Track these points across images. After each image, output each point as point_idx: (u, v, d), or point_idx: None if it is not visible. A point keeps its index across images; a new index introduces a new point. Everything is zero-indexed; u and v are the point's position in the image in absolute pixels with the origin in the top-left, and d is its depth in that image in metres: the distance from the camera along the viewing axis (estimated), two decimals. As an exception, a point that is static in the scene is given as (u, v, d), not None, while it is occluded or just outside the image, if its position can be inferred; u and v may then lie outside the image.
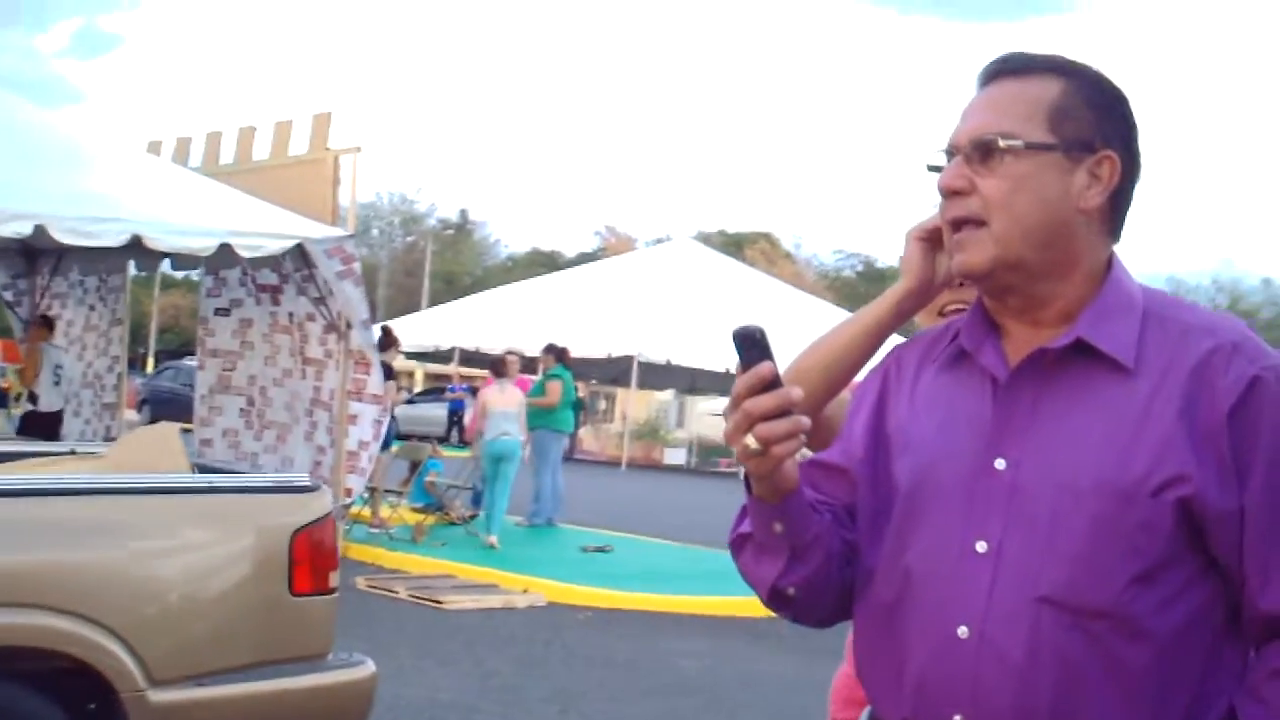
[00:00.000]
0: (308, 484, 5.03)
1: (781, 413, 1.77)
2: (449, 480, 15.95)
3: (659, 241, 79.13)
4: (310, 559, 4.82)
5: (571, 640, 10.13)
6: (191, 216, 10.56)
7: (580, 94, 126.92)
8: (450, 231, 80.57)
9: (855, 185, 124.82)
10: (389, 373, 15.80)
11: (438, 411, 37.36)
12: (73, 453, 6.03)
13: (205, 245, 10.26)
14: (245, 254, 10.48)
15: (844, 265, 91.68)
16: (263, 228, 10.80)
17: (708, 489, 32.66)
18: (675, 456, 51.62)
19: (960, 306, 2.55)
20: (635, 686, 8.71)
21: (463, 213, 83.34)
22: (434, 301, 57.14)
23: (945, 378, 2.02)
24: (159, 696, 4.44)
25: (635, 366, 34.18)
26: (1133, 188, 1.95)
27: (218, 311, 13.23)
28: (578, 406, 18.29)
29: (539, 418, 16.11)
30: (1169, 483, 1.79)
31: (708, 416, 59.44)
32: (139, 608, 4.50)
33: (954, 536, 1.89)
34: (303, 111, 17.41)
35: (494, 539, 14.23)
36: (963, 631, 1.85)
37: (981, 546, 1.86)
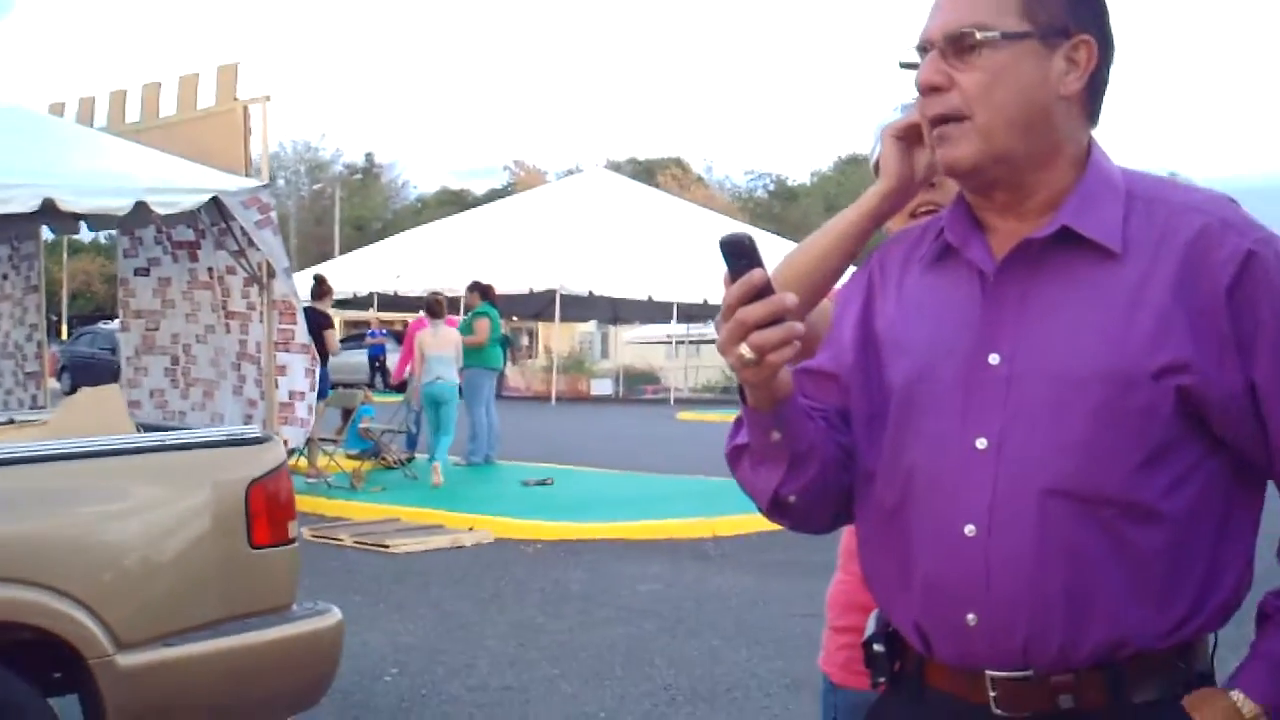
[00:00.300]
0: (259, 435, 4.96)
1: (775, 320, 1.73)
2: (382, 425, 15.86)
3: (569, 173, 78.84)
4: (267, 510, 4.75)
5: (523, 575, 10.13)
6: (103, 177, 10.36)
7: (478, 29, 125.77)
8: (358, 176, 79.82)
9: (762, 106, 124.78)
10: (328, 321, 15.70)
11: (358, 358, 37.10)
12: (11, 422, 5.92)
13: (120, 205, 10.05)
14: (161, 211, 10.29)
15: (755, 186, 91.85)
16: (177, 183, 10.60)
17: (637, 417, 32.77)
18: (602, 387, 51.68)
19: (931, 207, 2.53)
20: (593, 615, 8.72)
21: (369, 156, 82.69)
22: (346, 248, 56.67)
23: (931, 277, 1.99)
24: (127, 660, 4.37)
25: (558, 299, 34.04)
26: (1108, 70, 1.93)
27: (137, 272, 13.06)
28: (505, 343, 18.21)
29: (469, 356, 16.05)
30: (1169, 367, 1.77)
31: (632, 345, 59.61)
32: (100, 573, 4.42)
33: (952, 435, 1.87)
34: (207, 64, 17.07)
35: (439, 478, 14.31)
36: (970, 530, 1.83)
37: (981, 443, 1.84)
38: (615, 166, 72.03)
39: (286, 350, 11.75)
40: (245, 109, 12.71)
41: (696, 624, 8.48)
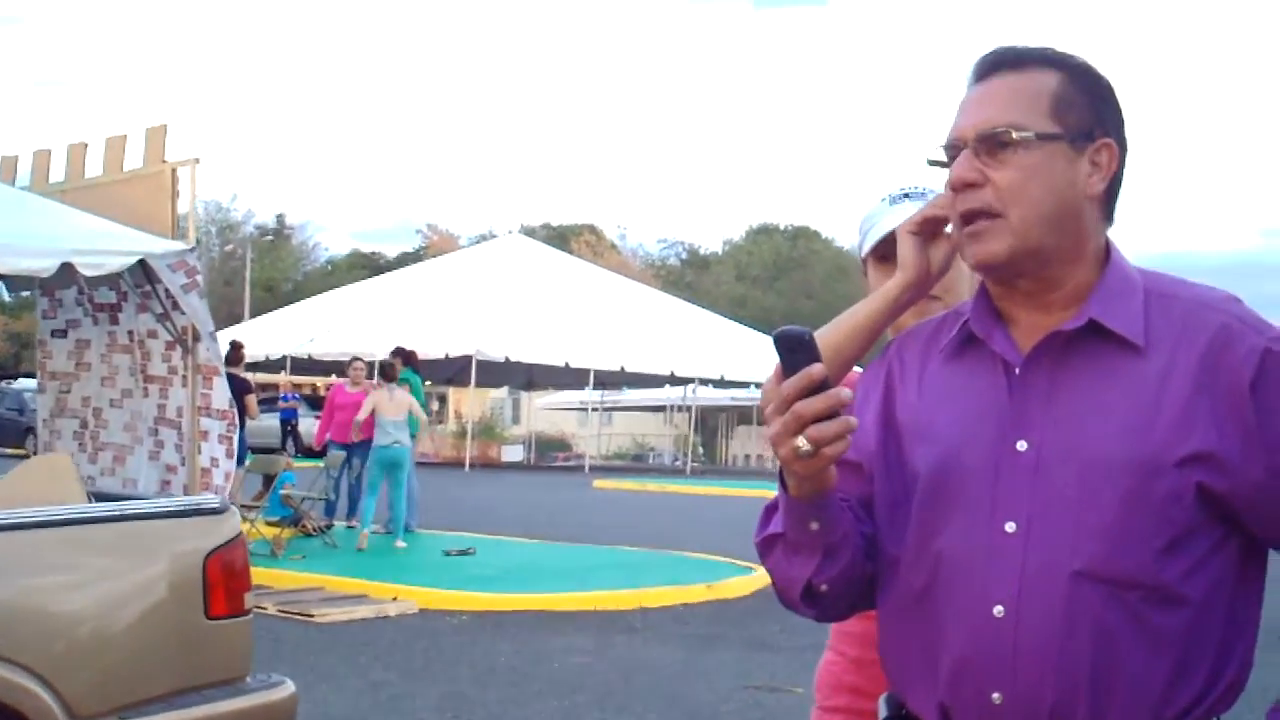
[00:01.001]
0: (216, 505, 4.93)
1: (832, 414, 1.78)
2: (303, 492, 15.73)
3: (482, 238, 78.86)
4: (225, 581, 4.73)
5: (450, 646, 10.07)
6: (28, 236, 10.23)
7: (391, 92, 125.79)
8: (269, 238, 79.27)
9: (673, 174, 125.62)
10: (248, 386, 15.58)
11: (270, 422, 36.72)
12: (-47, 489, 5.82)
13: (45, 265, 9.91)
14: (88, 272, 10.15)
15: (668, 254, 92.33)
16: (104, 244, 10.49)
17: (552, 485, 32.70)
18: (513, 454, 51.53)
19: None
20: (524, 688, 8.68)
21: (279, 218, 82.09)
22: (256, 310, 56.24)
23: (953, 366, 2.05)
24: (82, 733, 4.32)
25: (474, 365, 33.97)
26: (1124, 172, 2.01)
27: (54, 334, 12.87)
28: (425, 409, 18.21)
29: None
30: (1193, 455, 1.84)
31: (544, 412, 59.52)
32: (56, 643, 4.37)
33: (982, 519, 1.91)
34: (135, 125, 16.94)
35: (401, 542, 15.04)
36: (999, 611, 1.87)
37: (1010, 527, 1.89)
38: (529, 231, 72.17)
39: (207, 415, 11.63)
40: (174, 171, 12.64)
41: (627, 698, 8.47)
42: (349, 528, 16.53)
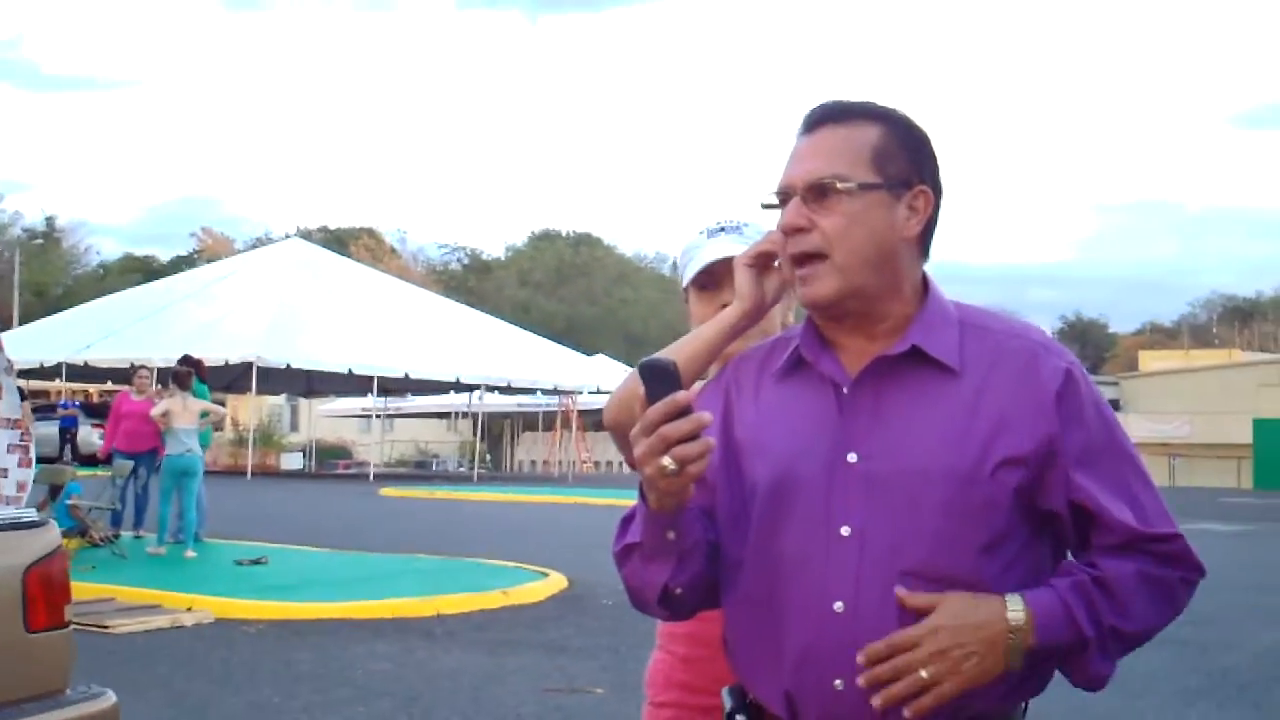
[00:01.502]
0: (35, 519, 4.93)
1: (694, 436, 1.98)
2: (90, 502, 15.43)
3: (258, 241, 77.63)
4: (44, 594, 4.73)
5: (250, 655, 10.04)
6: None
7: (161, 88, 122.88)
8: (38, 241, 76.85)
9: (455, 178, 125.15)
10: (22, 394, 15.19)
11: (47, 430, 35.72)
12: None
13: None
14: None
15: (450, 258, 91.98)
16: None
17: (337, 493, 32.43)
18: (292, 461, 50.85)
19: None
20: (329, 695, 8.72)
21: (49, 220, 79.68)
22: (26, 316, 54.51)
23: (785, 386, 2.26)
24: (-100, 750, 4.30)
25: (255, 372, 33.49)
26: (939, 214, 2.25)
27: None
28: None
29: (177, 432, 15.77)
30: (1004, 462, 2.08)
31: (324, 419, 58.84)
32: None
33: (819, 524, 2.12)
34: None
35: (191, 552, 14.80)
36: (839, 606, 2.09)
37: (845, 531, 2.10)
38: (305, 235, 71.29)
39: (-5, 424, 11.37)
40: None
41: (432, 702, 8.57)
42: (136, 537, 16.28)
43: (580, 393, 46.35)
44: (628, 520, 2.23)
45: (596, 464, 60.71)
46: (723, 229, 2.96)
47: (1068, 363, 2.17)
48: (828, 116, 2.21)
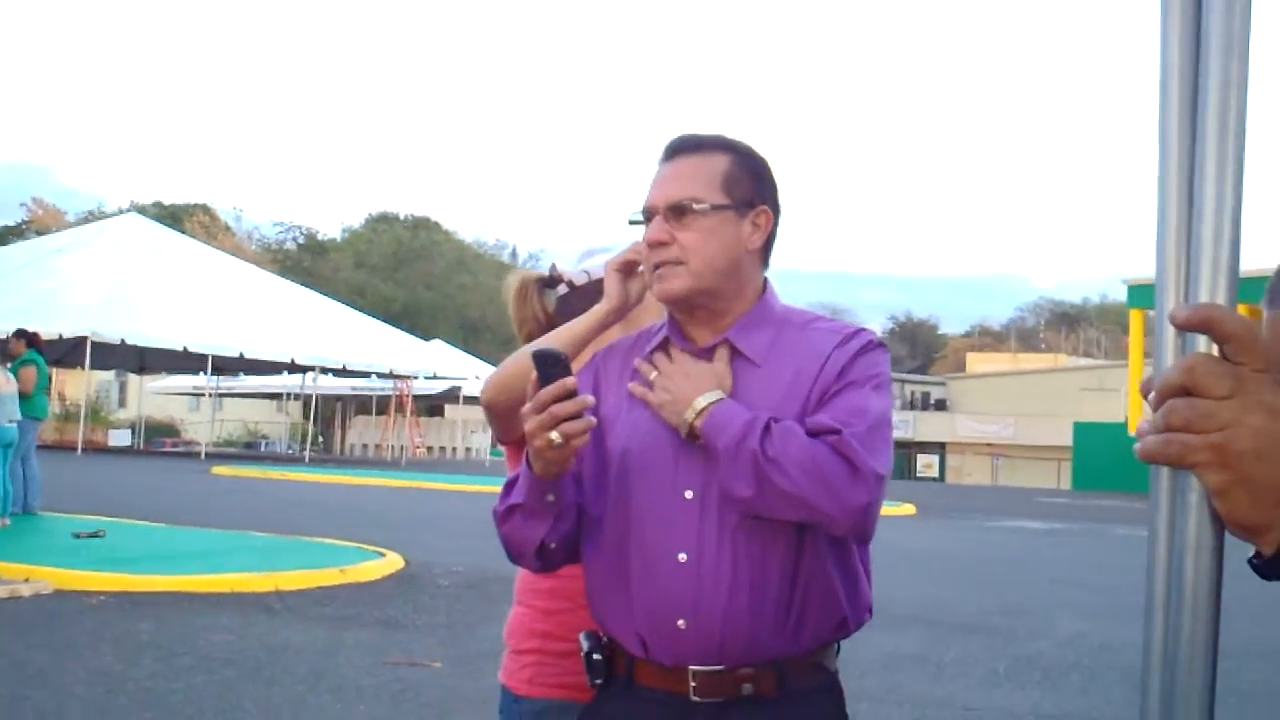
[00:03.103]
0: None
1: (579, 415, 2.36)
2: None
3: (90, 214, 76.14)
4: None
5: (92, 625, 10.18)
6: None
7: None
8: None
9: (292, 157, 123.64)
10: None
11: None
12: None
13: None
14: None
15: (285, 238, 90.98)
16: None
17: (169, 470, 32.13)
18: (120, 438, 50.16)
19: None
20: (173, 664, 8.92)
21: None
22: None
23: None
24: None
25: (89, 347, 33.05)
26: (777, 230, 2.67)
27: None
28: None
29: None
30: (811, 432, 2.47)
31: (153, 396, 57.98)
32: None
33: (668, 487, 2.52)
34: None
35: (5, 520, 14.60)
36: (682, 557, 2.48)
37: (689, 494, 2.50)
38: (140, 210, 70.14)
39: None
40: None
41: (276, 672, 8.82)
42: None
43: (416, 377, 46.39)
44: (510, 485, 2.59)
45: (429, 449, 60.74)
46: (591, 253, 3.42)
47: (866, 339, 2.58)
48: (685, 147, 2.62)
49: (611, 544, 2.59)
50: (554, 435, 2.34)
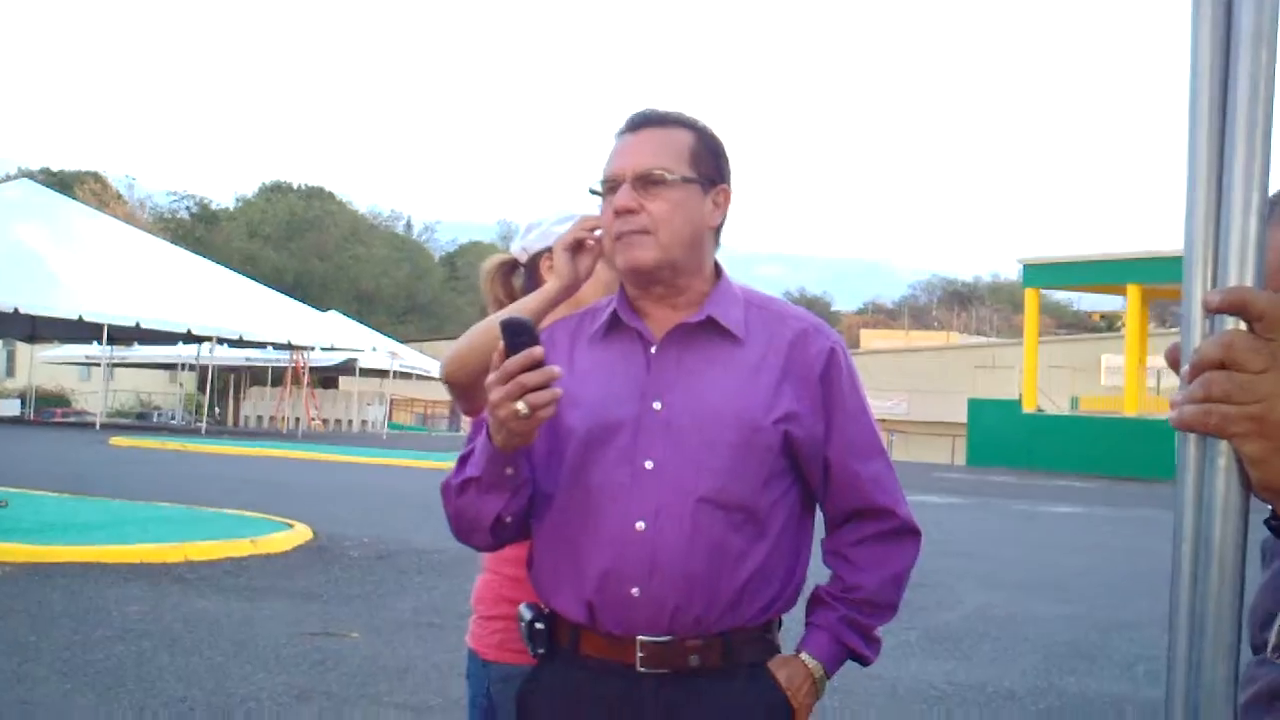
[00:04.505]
0: None
1: (545, 386, 2.37)
2: None
3: (-24, 179, 74.51)
4: None
5: (3, 596, 10.02)
6: None
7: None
8: None
9: (185, 124, 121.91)
10: None
11: None
12: None
13: None
14: None
15: (178, 207, 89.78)
16: None
17: (64, 440, 31.68)
18: (10, 408, 49.36)
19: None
20: (88, 635, 8.83)
21: None
22: None
23: (600, 348, 2.69)
24: None
25: (-21, 314, 32.49)
26: (729, 210, 2.73)
27: None
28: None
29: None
30: (784, 416, 2.57)
31: (44, 366, 57.06)
32: None
33: (627, 458, 2.56)
34: None
35: None
36: (641, 525, 2.52)
37: (649, 464, 2.54)
38: (27, 174, 68.89)
39: None
40: None
41: (194, 643, 8.76)
42: None
43: (314, 349, 46.02)
44: (464, 459, 2.61)
45: (325, 421, 60.31)
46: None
47: (833, 342, 2.68)
48: (649, 120, 2.66)
49: (563, 516, 2.61)
50: (520, 406, 2.34)
